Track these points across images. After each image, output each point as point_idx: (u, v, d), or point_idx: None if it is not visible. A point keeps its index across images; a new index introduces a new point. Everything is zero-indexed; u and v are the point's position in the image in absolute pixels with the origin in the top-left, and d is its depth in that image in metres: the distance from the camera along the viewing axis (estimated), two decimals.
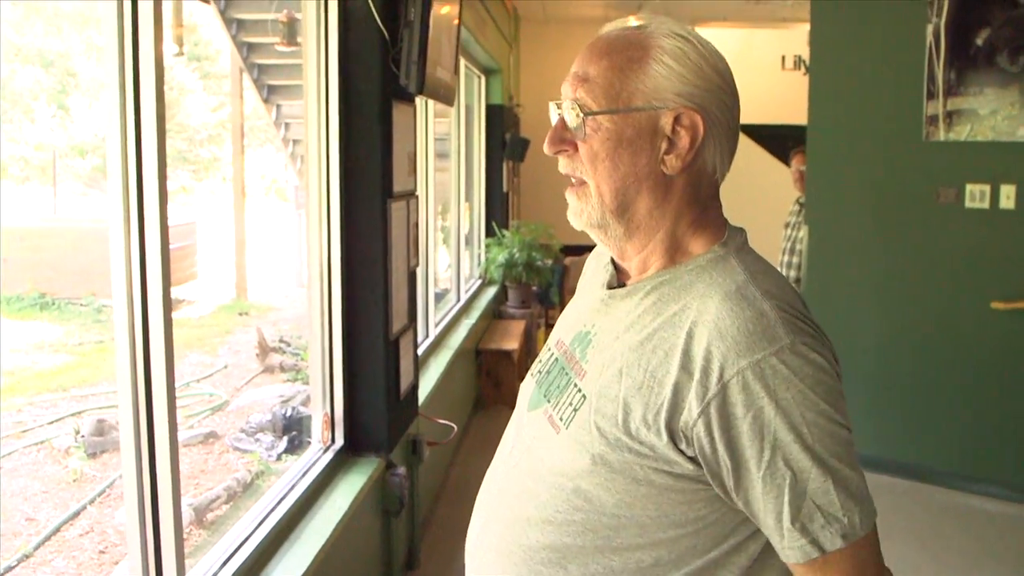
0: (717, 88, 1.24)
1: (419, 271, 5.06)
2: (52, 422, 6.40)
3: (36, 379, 7.53)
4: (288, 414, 6.07)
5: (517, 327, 7.72)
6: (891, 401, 5.57)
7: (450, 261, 7.62)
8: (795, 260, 6.07)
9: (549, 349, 1.45)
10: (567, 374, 1.33)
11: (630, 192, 1.25)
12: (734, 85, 1.28)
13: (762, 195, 10.80)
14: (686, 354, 1.16)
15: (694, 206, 1.28)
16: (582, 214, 1.29)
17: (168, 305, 2.11)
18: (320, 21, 3.31)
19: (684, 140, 1.23)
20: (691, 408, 1.14)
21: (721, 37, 11.40)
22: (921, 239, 5.38)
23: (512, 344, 7.10)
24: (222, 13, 8.15)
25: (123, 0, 1.98)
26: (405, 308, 3.79)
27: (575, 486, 1.22)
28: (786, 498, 1.12)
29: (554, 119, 1.30)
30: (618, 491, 1.20)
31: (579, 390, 1.27)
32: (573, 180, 1.30)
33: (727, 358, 1.13)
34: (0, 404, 6.78)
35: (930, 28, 5.09)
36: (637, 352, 1.21)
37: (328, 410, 3.45)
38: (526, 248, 8.10)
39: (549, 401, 1.33)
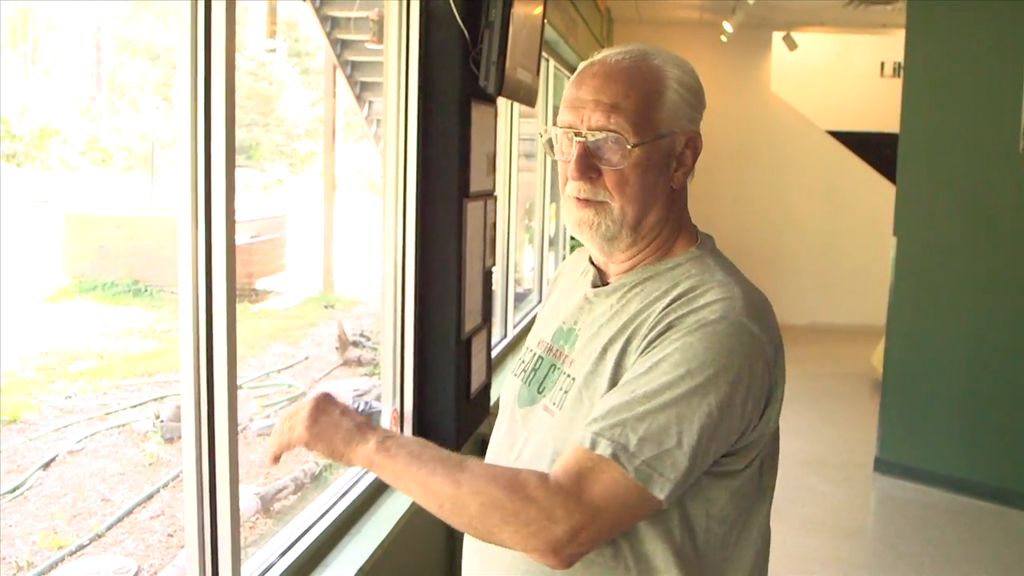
0: (702, 108, 1.43)
1: (499, 271, 5.06)
2: (135, 406, 6.57)
3: (124, 363, 7.74)
4: (361, 408, 6.10)
5: None
6: (982, 421, 5.40)
7: (534, 262, 7.61)
8: None
9: (531, 351, 1.58)
10: (556, 367, 1.47)
11: (649, 206, 1.39)
12: None
13: (854, 202, 10.58)
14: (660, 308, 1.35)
15: (683, 212, 1.46)
16: (597, 227, 1.39)
17: (232, 299, 2.13)
18: (401, 20, 3.32)
19: (689, 158, 1.41)
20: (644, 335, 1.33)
21: (818, 42, 11.22)
22: (1015, 252, 5.20)
23: None
24: (317, 10, 8.27)
25: None
26: (479, 308, 3.78)
27: None
28: (625, 389, 1.28)
29: (572, 148, 1.38)
30: None
31: (568, 375, 1.42)
32: (589, 200, 1.39)
33: (682, 310, 1.32)
34: (88, 386, 6.98)
35: None
36: (622, 330, 1.36)
37: (397, 406, 3.46)
38: None
39: (543, 394, 1.46)
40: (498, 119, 4.01)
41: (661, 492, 1.22)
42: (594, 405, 1.31)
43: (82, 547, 4.59)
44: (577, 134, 1.36)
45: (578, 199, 1.39)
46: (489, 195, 3.85)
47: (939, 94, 5.47)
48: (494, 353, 4.80)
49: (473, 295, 3.65)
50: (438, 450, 1.30)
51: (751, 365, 1.28)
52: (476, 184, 3.60)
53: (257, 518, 4.91)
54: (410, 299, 3.43)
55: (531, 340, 1.60)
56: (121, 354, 8.09)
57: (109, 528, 4.77)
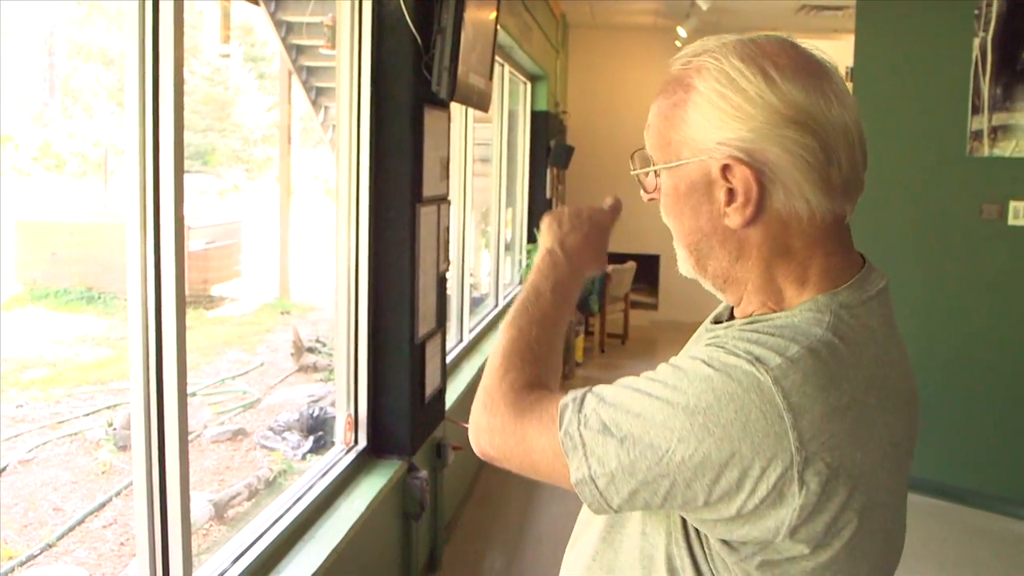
0: (777, 124, 1.02)
1: (454, 276, 5.06)
2: (88, 414, 6.50)
3: (77, 371, 7.66)
4: (315, 414, 6.11)
5: None
6: (928, 420, 5.46)
7: (491, 266, 7.62)
8: None
9: None
10: None
11: (703, 249, 1.12)
12: (815, 112, 1.03)
13: None
14: None
15: (785, 257, 1.09)
16: (679, 260, 1.18)
17: (182, 305, 2.13)
18: (354, 25, 3.32)
19: (739, 190, 1.05)
20: None
21: None
22: (962, 255, 5.29)
23: None
24: (272, 15, 8.23)
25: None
26: (433, 312, 3.79)
27: None
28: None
29: None
30: None
31: None
32: None
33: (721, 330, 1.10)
34: (40, 395, 6.91)
35: (976, 42, 5.00)
36: None
37: (351, 412, 3.46)
38: None
39: None
40: (452, 124, 4.02)
41: (577, 471, 1.03)
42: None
43: (33, 557, 4.53)
44: None
45: None
46: (443, 200, 3.86)
47: (887, 98, 5.55)
48: (449, 358, 4.82)
49: (427, 300, 3.66)
50: (520, 315, 1.26)
51: (755, 449, 0.96)
52: (429, 189, 3.61)
53: (211, 525, 4.87)
54: (363, 304, 3.43)
55: None
56: (74, 362, 8.00)
57: (60, 538, 4.71)
